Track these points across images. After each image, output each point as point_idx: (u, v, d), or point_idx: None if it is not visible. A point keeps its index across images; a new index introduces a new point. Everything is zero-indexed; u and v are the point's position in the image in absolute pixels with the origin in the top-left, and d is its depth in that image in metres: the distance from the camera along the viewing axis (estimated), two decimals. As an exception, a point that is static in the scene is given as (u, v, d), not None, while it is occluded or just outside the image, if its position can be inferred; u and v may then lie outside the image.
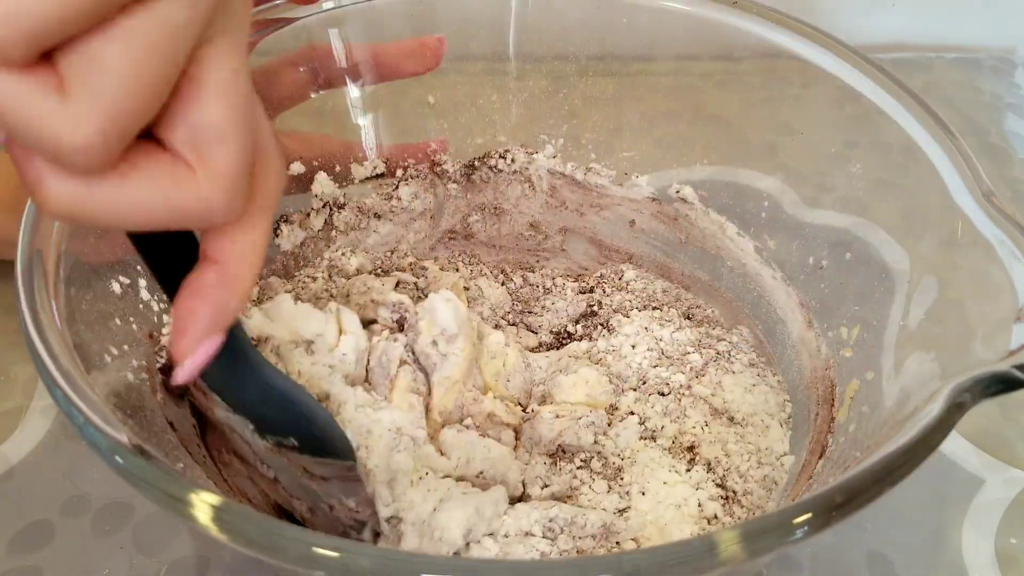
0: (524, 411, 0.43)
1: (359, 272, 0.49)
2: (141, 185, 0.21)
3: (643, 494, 0.38)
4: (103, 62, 0.19)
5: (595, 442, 0.40)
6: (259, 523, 0.24)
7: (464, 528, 0.34)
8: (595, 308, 0.49)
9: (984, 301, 0.33)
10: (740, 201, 0.48)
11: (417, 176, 0.51)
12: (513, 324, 0.49)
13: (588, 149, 0.52)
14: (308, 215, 0.49)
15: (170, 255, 0.26)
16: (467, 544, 0.34)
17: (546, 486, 0.39)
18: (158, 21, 0.19)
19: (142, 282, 0.38)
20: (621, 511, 0.38)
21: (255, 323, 0.38)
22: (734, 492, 0.39)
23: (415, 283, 0.48)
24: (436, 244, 0.53)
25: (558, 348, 0.47)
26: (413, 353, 0.41)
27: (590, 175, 0.52)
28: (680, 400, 0.43)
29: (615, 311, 0.49)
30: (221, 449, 0.37)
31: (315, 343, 0.39)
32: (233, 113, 0.22)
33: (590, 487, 0.39)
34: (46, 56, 0.19)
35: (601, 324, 0.48)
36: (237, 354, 0.30)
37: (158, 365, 0.38)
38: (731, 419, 0.42)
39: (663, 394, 0.43)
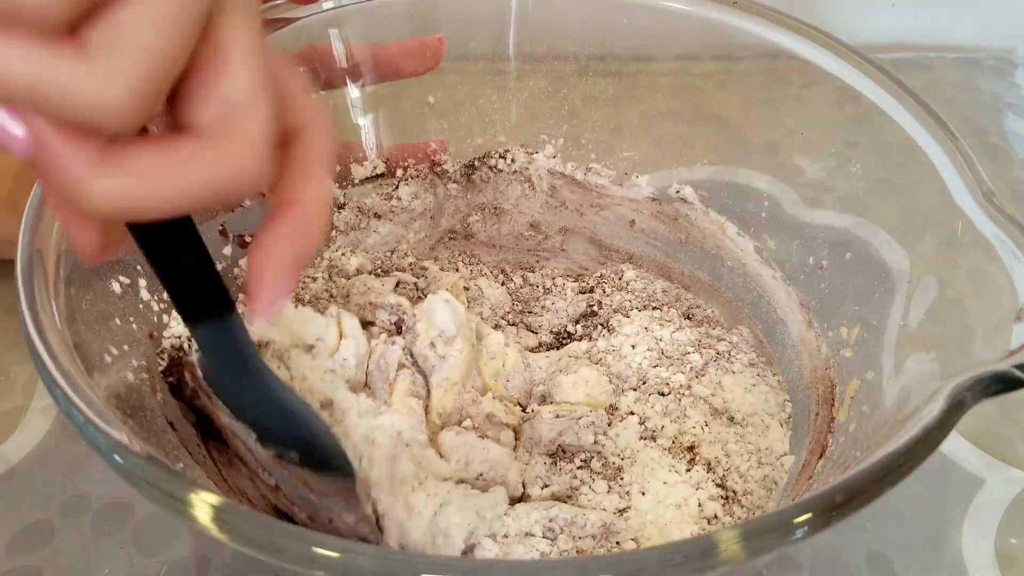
0: (524, 411, 0.43)
1: (359, 272, 0.49)
2: (183, 166, 0.22)
3: (643, 494, 0.38)
4: (123, 20, 0.19)
5: (595, 442, 0.40)
6: (259, 523, 0.24)
7: (465, 532, 0.34)
8: (595, 308, 0.49)
9: (984, 301, 0.33)
10: (740, 201, 0.48)
11: (417, 176, 0.51)
12: (513, 324, 0.49)
13: (588, 149, 0.52)
14: (308, 215, 0.49)
15: (170, 244, 0.26)
16: (469, 547, 0.34)
17: (546, 486, 0.39)
18: None
19: (142, 282, 0.38)
20: (621, 511, 0.38)
21: (256, 328, 0.38)
22: (734, 492, 0.39)
23: (415, 283, 0.48)
24: (436, 244, 0.53)
25: (558, 348, 0.47)
26: (412, 356, 0.41)
27: (590, 175, 0.52)
28: (680, 400, 0.43)
29: (615, 311, 0.49)
30: (224, 451, 0.37)
31: (316, 347, 0.39)
32: (259, 78, 0.23)
33: (590, 487, 0.39)
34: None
35: (601, 324, 0.48)
36: (243, 361, 0.30)
37: (160, 368, 0.38)
38: (731, 419, 0.42)
39: (663, 394, 0.43)
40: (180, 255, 0.26)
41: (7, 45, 0.19)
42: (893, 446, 0.27)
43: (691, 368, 0.44)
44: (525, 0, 0.49)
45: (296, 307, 0.40)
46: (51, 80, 0.19)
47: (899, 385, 0.34)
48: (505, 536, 0.35)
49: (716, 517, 0.38)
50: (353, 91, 0.49)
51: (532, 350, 0.47)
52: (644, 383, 0.44)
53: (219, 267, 0.42)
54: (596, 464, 0.40)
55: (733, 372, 0.44)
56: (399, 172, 0.51)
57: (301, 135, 0.26)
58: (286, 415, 0.32)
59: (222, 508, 0.24)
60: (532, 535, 0.35)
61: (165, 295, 0.39)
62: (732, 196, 0.49)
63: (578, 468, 0.40)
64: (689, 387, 0.43)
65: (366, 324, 0.43)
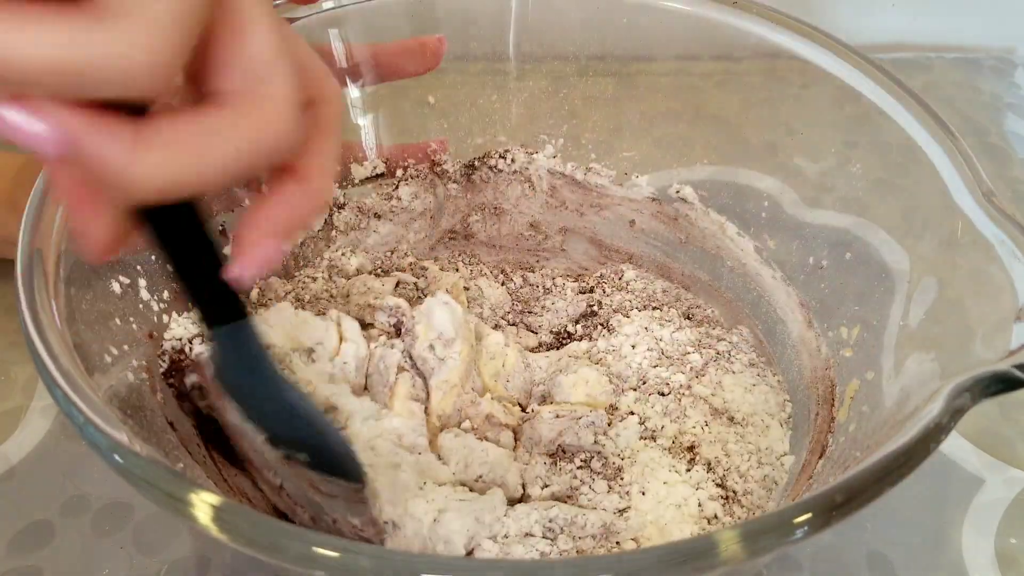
0: (524, 411, 0.43)
1: (359, 272, 0.49)
2: (220, 134, 0.22)
3: (643, 494, 0.38)
4: None
5: (595, 442, 0.40)
6: (259, 523, 0.24)
7: (466, 538, 0.34)
8: (595, 308, 0.49)
9: (984, 301, 0.33)
10: (740, 201, 0.48)
11: (417, 176, 0.51)
12: (513, 324, 0.49)
13: (588, 149, 0.52)
14: (308, 215, 0.49)
15: (178, 225, 0.26)
16: (469, 551, 0.34)
17: (546, 486, 0.39)
18: None
19: (142, 282, 0.38)
20: (621, 511, 0.38)
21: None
22: (734, 492, 0.39)
23: (415, 283, 0.48)
24: (436, 244, 0.53)
25: (558, 348, 0.47)
26: (411, 358, 0.41)
27: (590, 175, 0.52)
28: (680, 400, 0.43)
29: (615, 311, 0.49)
30: (224, 452, 0.37)
31: (316, 351, 0.39)
32: (279, 41, 0.23)
33: (590, 487, 0.39)
34: None
35: (601, 324, 0.48)
36: (256, 362, 0.30)
37: (161, 369, 0.38)
38: (731, 419, 0.42)
39: (663, 394, 0.43)
40: (196, 243, 0.26)
41: (18, 28, 0.18)
42: (893, 446, 0.27)
43: (691, 368, 0.44)
44: (525, 0, 0.49)
45: (296, 310, 0.40)
46: (74, 52, 0.19)
47: (899, 385, 0.34)
48: (505, 536, 0.35)
49: (716, 517, 0.38)
50: (353, 91, 0.49)
51: (532, 350, 0.47)
52: (644, 383, 0.44)
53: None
54: (596, 464, 0.40)
55: (733, 372, 0.44)
56: (399, 172, 0.51)
57: (312, 105, 0.27)
58: (298, 417, 0.32)
59: (222, 508, 0.24)
60: (532, 535, 0.35)
61: (165, 295, 0.39)
62: (732, 196, 0.49)
63: (578, 468, 0.40)
64: (689, 387, 0.43)
65: (365, 326, 0.43)
